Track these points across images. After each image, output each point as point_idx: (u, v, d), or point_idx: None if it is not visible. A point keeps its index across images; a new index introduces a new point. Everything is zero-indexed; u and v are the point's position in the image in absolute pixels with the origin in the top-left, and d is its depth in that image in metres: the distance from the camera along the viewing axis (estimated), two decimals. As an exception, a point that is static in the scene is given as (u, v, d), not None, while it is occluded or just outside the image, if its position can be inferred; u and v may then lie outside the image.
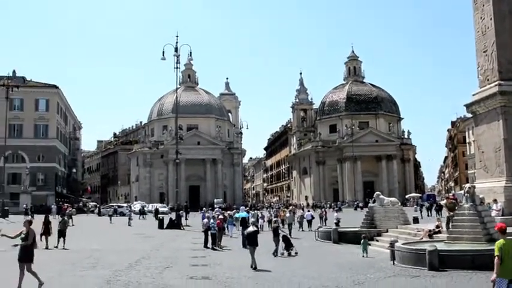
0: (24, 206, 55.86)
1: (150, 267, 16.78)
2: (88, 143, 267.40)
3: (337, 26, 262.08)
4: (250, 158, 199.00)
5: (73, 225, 42.02)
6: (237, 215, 30.02)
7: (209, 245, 23.38)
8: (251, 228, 18.28)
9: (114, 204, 78.28)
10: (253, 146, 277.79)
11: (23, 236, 12.55)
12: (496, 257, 8.68)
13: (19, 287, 12.04)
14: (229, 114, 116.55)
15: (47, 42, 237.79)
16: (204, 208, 46.67)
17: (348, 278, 14.44)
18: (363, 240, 20.23)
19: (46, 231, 23.13)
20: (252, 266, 16.17)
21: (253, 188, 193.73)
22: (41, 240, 21.64)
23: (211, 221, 23.96)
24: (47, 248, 22.02)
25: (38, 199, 69.60)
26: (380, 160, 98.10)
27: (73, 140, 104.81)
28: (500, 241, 8.81)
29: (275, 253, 19.98)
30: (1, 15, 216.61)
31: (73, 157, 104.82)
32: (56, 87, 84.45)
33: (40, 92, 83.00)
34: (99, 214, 58.26)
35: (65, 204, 58.45)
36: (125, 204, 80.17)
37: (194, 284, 13.57)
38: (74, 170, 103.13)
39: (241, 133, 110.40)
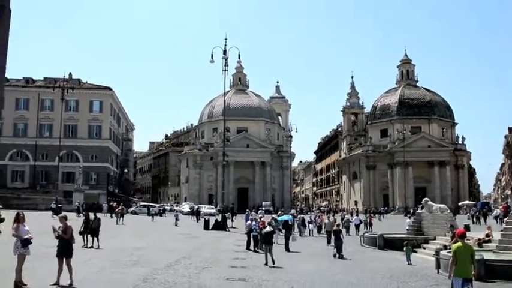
0: (77, 203, 57.37)
1: (189, 267, 16.81)
2: (140, 144, 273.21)
3: (390, 28, 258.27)
4: (300, 161, 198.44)
5: (123, 223, 43.00)
6: (279, 218, 29.69)
7: (251, 247, 23.29)
8: (268, 229, 19.36)
9: (146, 203, 79.45)
10: (303, 150, 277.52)
11: (60, 231, 12.87)
12: (451, 258, 10.06)
13: (57, 283, 12.25)
14: (279, 117, 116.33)
15: (102, 46, 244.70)
16: (247, 210, 46.42)
17: (388, 285, 14.03)
18: (405, 247, 19.68)
19: (85, 230, 22.70)
20: (266, 264, 17.45)
21: (303, 191, 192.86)
22: (83, 238, 22.05)
23: (254, 223, 23.85)
24: (85, 246, 21.79)
25: (90, 197, 71.50)
26: (432, 166, 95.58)
27: (125, 140, 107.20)
28: (456, 244, 10.23)
29: (335, 255, 21.27)
30: (58, 20, 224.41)
31: (125, 157, 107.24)
32: (109, 89, 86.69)
33: (94, 94, 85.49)
34: (149, 214, 59.20)
35: (115, 204, 59.68)
36: (167, 204, 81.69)
37: (229, 285, 13.46)
38: (126, 170, 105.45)
39: (290, 136, 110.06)
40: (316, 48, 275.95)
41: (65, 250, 12.66)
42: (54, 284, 12.15)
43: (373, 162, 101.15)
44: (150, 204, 76.17)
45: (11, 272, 11.86)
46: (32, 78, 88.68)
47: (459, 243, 10.16)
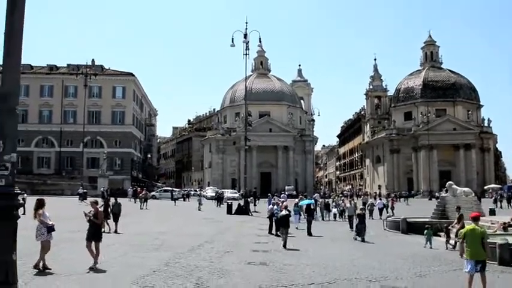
0: (102, 189, 58.08)
1: (211, 251, 16.91)
2: (164, 130, 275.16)
3: (413, 9, 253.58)
4: (323, 145, 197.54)
5: (147, 208, 43.47)
6: (301, 203, 29.66)
7: (273, 231, 23.32)
8: (283, 212, 20.05)
9: (166, 188, 79.99)
10: (326, 134, 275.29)
11: (91, 215, 13.13)
12: (461, 240, 11.02)
13: (94, 265, 12.66)
14: (302, 101, 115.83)
15: (124, 32, 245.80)
16: (269, 194, 46.43)
17: (410, 269, 13.91)
18: (426, 231, 19.53)
19: (105, 215, 22.00)
20: (283, 246, 18.22)
21: (326, 175, 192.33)
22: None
23: (275, 207, 23.87)
24: (103, 231, 21.75)
25: (114, 183, 72.38)
26: (457, 149, 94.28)
27: (148, 126, 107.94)
28: (468, 227, 10.74)
29: (356, 238, 21.95)
30: (80, 7, 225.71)
31: (148, 143, 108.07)
32: (132, 74, 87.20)
33: (117, 80, 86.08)
34: (172, 198, 59.69)
35: (139, 188, 60.30)
36: (189, 189, 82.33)
37: (250, 269, 13.48)
38: (149, 156, 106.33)
39: (313, 120, 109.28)
40: (338, 31, 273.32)
41: (95, 234, 13.03)
42: (93, 265, 12.58)
43: (397, 146, 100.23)
44: (170, 188, 76.68)
45: (36, 257, 12.09)
46: (55, 65, 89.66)
47: (470, 226, 10.47)
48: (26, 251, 11.82)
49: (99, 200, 21.00)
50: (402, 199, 69.84)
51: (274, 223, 23.31)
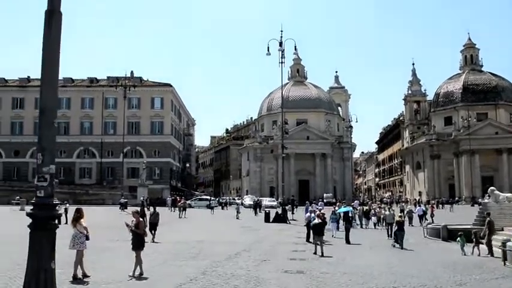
0: (141, 198, 58.92)
1: (248, 259, 16.94)
2: (202, 139, 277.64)
3: (451, 12, 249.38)
4: (362, 152, 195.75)
5: (186, 217, 43.85)
6: (339, 210, 29.38)
7: (311, 239, 23.19)
8: (317, 221, 19.99)
9: (204, 196, 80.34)
10: (365, 140, 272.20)
11: (133, 226, 13.45)
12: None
13: (141, 273, 12.98)
14: (339, 108, 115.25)
15: (161, 44, 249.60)
16: (306, 202, 46.19)
17: (451, 277, 13.62)
18: (459, 238, 19.15)
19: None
20: (314, 253, 18.50)
21: (365, 182, 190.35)
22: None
23: (312, 215, 23.75)
24: None
25: (154, 192, 73.47)
26: (500, 153, 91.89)
27: (187, 136, 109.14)
28: None
29: (394, 245, 21.91)
30: (119, 20, 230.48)
31: (187, 152, 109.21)
32: (169, 85, 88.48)
33: (155, 91, 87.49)
34: (208, 207, 60.08)
35: (178, 198, 60.88)
36: (228, 197, 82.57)
37: (287, 277, 13.44)
38: (188, 165, 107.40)
39: (351, 127, 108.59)
40: (375, 36, 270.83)
41: (138, 243, 13.33)
42: (139, 274, 12.89)
43: (437, 151, 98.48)
44: (206, 197, 77.09)
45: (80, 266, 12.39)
46: (96, 78, 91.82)
47: None
48: (68, 259, 12.12)
49: (138, 209, 21.26)
50: (444, 205, 68.51)
51: (311, 231, 23.19)
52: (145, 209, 31.47)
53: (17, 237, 20.70)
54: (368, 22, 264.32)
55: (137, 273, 12.92)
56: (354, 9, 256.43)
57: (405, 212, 38.04)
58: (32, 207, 7.00)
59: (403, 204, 57.02)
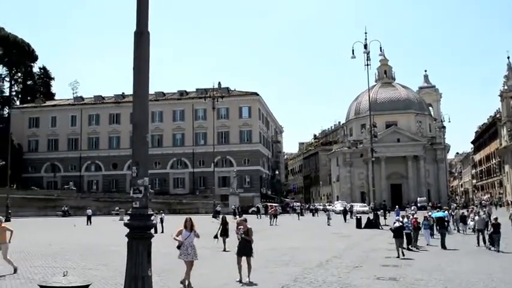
0: (233, 206, 60.10)
1: (339, 266, 16.79)
2: (290, 146, 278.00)
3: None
4: (457, 153, 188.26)
5: (277, 224, 44.19)
6: (434, 215, 28.31)
7: (404, 245, 22.62)
8: (397, 224, 20.33)
9: (296, 204, 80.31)
10: (459, 140, 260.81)
11: (241, 232, 13.88)
12: None
13: (240, 280, 13.35)
14: (430, 108, 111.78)
15: (246, 53, 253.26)
16: (396, 207, 45.01)
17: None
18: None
19: (224, 233, 21.93)
20: (398, 257, 18.91)
21: (461, 185, 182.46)
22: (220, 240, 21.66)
23: (406, 220, 23.15)
24: (224, 250, 21.04)
25: (245, 200, 74.76)
26: None
27: (275, 143, 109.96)
28: None
29: (490, 248, 21.50)
30: (204, 35, 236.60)
31: (276, 159, 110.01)
32: (256, 94, 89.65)
33: (243, 100, 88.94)
34: (301, 214, 60.16)
35: (269, 205, 61.48)
36: (318, 204, 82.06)
37: (379, 284, 13.18)
38: (277, 172, 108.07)
39: (443, 127, 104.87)
40: (464, 30, 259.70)
41: (246, 249, 13.70)
42: (238, 281, 13.25)
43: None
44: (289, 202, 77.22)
45: (173, 274, 12.81)
46: (185, 91, 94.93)
47: None
48: (166, 267, 12.63)
49: (230, 217, 21.61)
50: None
51: (405, 237, 22.62)
52: (238, 216, 31.96)
53: (117, 246, 21.84)
54: (456, 16, 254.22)
55: (246, 279, 13.25)
56: (439, 3, 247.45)
57: (509, 215, 35.99)
58: (128, 218, 7.40)
59: (491, 206, 53.66)
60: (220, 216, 30.63)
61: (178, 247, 12.57)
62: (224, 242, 21.64)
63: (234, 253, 18.86)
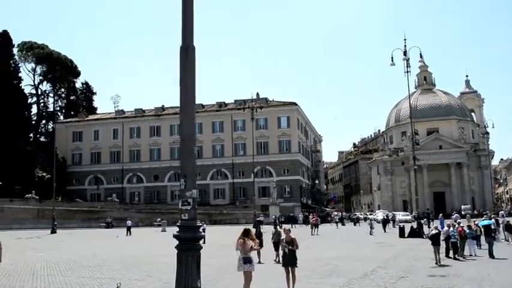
0: (273, 216, 59.98)
1: (384, 276, 16.57)
2: (330, 155, 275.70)
3: None
4: (501, 159, 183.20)
5: (318, 234, 43.93)
6: (480, 223, 27.53)
7: (451, 254, 22.20)
8: (434, 231, 21.12)
9: (335, 213, 79.50)
10: (504, 146, 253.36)
11: (285, 244, 13.98)
12: None
13: None
14: (472, 113, 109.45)
15: (284, 62, 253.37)
16: (440, 215, 43.97)
17: None
18: None
19: (258, 244, 21.46)
20: (436, 263, 19.57)
21: (507, 192, 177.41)
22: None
23: (451, 228, 22.70)
24: (259, 262, 19.64)
25: (285, 210, 74.52)
26: None
27: (314, 152, 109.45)
28: None
29: None
30: (240, 47, 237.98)
31: (315, 169, 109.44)
32: (295, 104, 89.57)
33: (281, 110, 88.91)
34: (342, 223, 59.65)
35: (311, 215, 61.18)
36: (359, 213, 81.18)
37: (427, 295, 13.02)
38: (317, 181, 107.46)
39: (487, 133, 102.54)
40: (505, 31, 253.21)
41: (291, 260, 13.73)
42: None
43: None
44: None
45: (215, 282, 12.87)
46: (224, 102, 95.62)
47: None
48: (209, 278, 12.72)
49: (270, 227, 21.53)
50: None
51: (451, 246, 22.19)
52: (278, 227, 31.85)
53: (160, 256, 22.13)
54: (496, 19, 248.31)
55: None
56: (479, 7, 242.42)
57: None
58: (177, 229, 7.52)
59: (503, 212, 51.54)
60: (262, 226, 30.55)
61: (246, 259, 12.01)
62: (258, 253, 20.25)
63: (269, 264, 18.95)
